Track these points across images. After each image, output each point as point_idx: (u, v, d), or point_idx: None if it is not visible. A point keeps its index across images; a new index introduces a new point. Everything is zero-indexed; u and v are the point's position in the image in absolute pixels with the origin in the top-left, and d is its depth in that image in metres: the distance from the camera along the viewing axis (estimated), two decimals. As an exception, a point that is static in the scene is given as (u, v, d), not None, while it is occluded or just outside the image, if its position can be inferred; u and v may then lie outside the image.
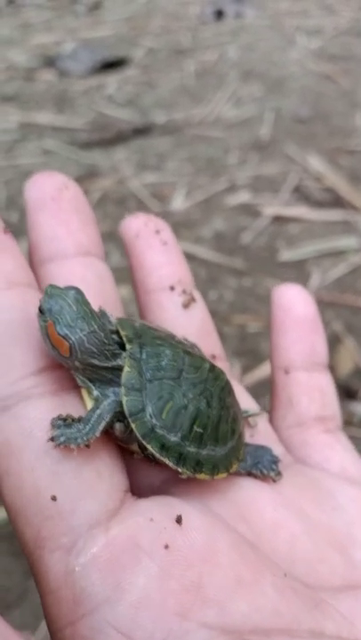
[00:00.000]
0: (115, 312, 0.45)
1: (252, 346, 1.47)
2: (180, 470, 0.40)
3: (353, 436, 1.23)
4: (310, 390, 0.51)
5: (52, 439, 0.36)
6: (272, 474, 0.44)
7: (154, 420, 0.39)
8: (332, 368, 1.38)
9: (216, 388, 0.43)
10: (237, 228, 1.81)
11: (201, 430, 0.41)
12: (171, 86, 2.60)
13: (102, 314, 0.42)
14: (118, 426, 0.40)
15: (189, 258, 1.73)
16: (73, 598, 0.33)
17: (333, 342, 1.46)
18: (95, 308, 0.41)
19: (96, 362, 0.40)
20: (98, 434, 0.38)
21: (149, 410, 0.39)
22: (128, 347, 0.41)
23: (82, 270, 0.46)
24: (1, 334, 0.39)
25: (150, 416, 0.39)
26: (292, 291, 0.54)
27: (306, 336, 0.53)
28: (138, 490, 0.40)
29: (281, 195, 1.91)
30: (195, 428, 0.40)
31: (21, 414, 0.37)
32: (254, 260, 1.71)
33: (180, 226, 1.82)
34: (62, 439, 0.36)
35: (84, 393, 0.41)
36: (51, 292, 0.40)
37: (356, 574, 0.41)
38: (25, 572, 1.08)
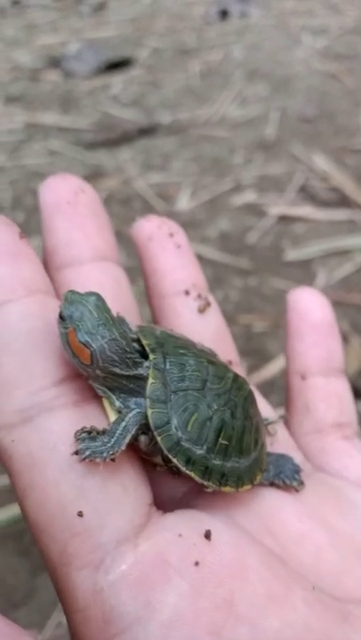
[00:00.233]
0: (131, 318, 0.44)
1: (258, 345, 1.47)
2: (205, 484, 0.39)
3: None
4: (328, 396, 0.50)
5: (77, 453, 0.35)
6: (295, 483, 0.44)
7: (179, 433, 0.39)
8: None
9: (240, 398, 0.42)
10: (243, 228, 1.81)
11: (226, 442, 0.40)
12: (176, 86, 2.60)
13: (121, 320, 0.41)
14: (143, 438, 0.39)
15: (195, 258, 1.73)
16: (103, 617, 0.33)
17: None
18: (113, 314, 0.40)
19: (117, 370, 0.39)
20: (124, 447, 0.37)
21: (175, 422, 0.39)
22: (152, 357, 0.40)
23: (99, 276, 0.46)
24: (21, 343, 0.38)
25: (176, 429, 0.38)
26: (308, 294, 0.53)
27: (323, 341, 0.52)
28: (160, 502, 0.39)
29: (287, 194, 1.91)
30: (220, 440, 0.40)
31: (44, 427, 0.36)
32: (260, 259, 1.70)
33: (186, 226, 1.82)
34: (87, 453, 0.35)
35: (106, 404, 0.40)
36: (71, 297, 0.39)
37: None
38: (31, 570, 1.08)
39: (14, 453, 0.36)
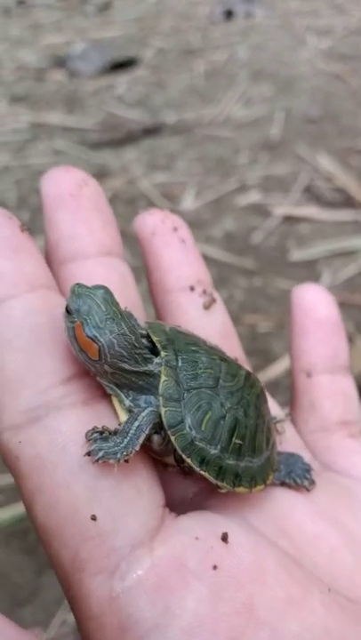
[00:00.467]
0: (137, 315, 0.43)
1: (263, 345, 1.47)
2: (219, 485, 0.38)
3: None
4: (333, 394, 0.50)
5: (89, 454, 0.34)
6: (306, 483, 0.43)
7: (193, 432, 0.38)
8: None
9: (252, 396, 0.41)
10: (248, 228, 1.81)
11: (240, 442, 0.39)
12: (180, 86, 2.60)
13: (129, 315, 0.40)
14: (156, 438, 0.38)
15: (199, 258, 1.73)
16: (119, 625, 0.32)
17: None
18: (122, 308, 0.40)
19: (126, 366, 0.38)
20: (138, 447, 0.36)
21: (188, 421, 0.38)
22: (163, 354, 0.39)
23: (104, 271, 0.45)
24: (25, 340, 0.37)
25: (190, 428, 0.38)
26: (313, 291, 0.52)
27: (328, 338, 0.51)
28: (171, 503, 0.38)
29: (291, 195, 1.91)
30: (234, 439, 0.39)
31: (53, 427, 0.35)
32: (265, 259, 1.71)
33: (191, 226, 1.81)
34: (101, 454, 0.34)
35: (115, 402, 0.39)
36: (78, 291, 0.38)
37: None
38: (36, 569, 1.08)
39: (22, 455, 0.35)
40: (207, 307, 0.48)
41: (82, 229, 0.45)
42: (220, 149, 2.17)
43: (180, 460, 0.39)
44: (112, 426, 0.37)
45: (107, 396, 0.39)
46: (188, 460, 0.37)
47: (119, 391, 0.39)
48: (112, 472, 0.34)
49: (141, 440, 0.36)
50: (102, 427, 0.36)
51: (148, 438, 0.37)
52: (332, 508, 0.43)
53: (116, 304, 0.39)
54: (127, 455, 0.35)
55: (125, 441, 0.36)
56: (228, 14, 3.20)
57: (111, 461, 0.34)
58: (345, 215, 1.81)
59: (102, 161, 2.14)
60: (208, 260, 1.70)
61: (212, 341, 0.46)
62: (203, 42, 2.97)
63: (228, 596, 0.33)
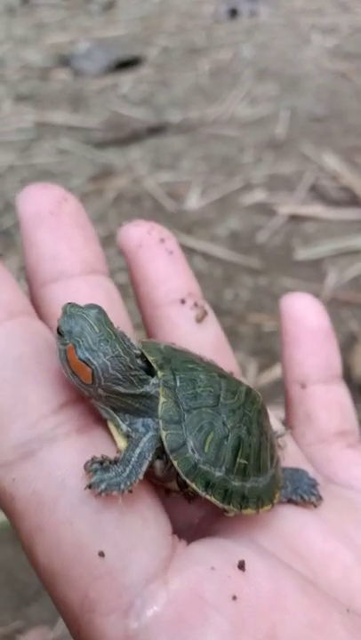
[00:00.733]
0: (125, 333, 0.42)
1: (268, 345, 1.47)
2: (226, 508, 0.37)
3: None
4: (329, 404, 0.49)
5: (90, 487, 0.32)
6: (313, 499, 0.42)
7: (196, 455, 0.36)
8: (348, 368, 1.37)
9: (254, 412, 0.40)
10: (253, 227, 1.81)
11: (245, 461, 0.38)
12: (185, 85, 2.60)
13: (123, 336, 0.38)
14: (159, 464, 0.36)
15: (205, 257, 1.73)
16: None
17: (350, 342, 1.45)
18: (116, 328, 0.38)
19: (121, 389, 0.36)
20: (141, 476, 0.34)
21: (191, 444, 0.36)
22: (160, 374, 0.37)
23: (90, 290, 0.43)
24: (11, 370, 0.35)
25: (192, 450, 0.36)
26: (303, 300, 0.51)
27: (321, 347, 0.50)
28: (177, 530, 0.36)
29: (297, 193, 1.91)
30: (238, 459, 0.37)
31: (48, 460, 0.33)
32: (270, 259, 1.70)
33: (196, 225, 1.82)
34: (103, 486, 0.32)
35: (112, 427, 0.37)
36: (70, 311, 0.36)
37: None
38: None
39: (17, 493, 0.33)
40: (200, 320, 0.47)
41: (64, 248, 0.43)
42: (224, 148, 2.16)
43: (183, 485, 0.37)
44: (110, 453, 0.35)
45: (101, 421, 0.37)
46: (193, 485, 0.36)
47: (115, 415, 0.37)
48: (116, 504, 0.33)
49: (145, 468, 0.35)
50: (101, 456, 0.34)
51: (151, 465, 0.36)
52: (340, 523, 0.42)
53: (110, 324, 0.37)
54: (131, 485, 0.33)
55: (128, 470, 0.34)
56: (233, 13, 3.20)
57: (115, 493, 0.33)
58: (351, 214, 1.81)
59: (107, 160, 2.14)
60: (213, 259, 1.70)
61: (207, 356, 0.44)
62: (207, 41, 2.97)
63: (250, 627, 0.31)
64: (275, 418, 0.48)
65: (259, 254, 1.72)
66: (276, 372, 1.39)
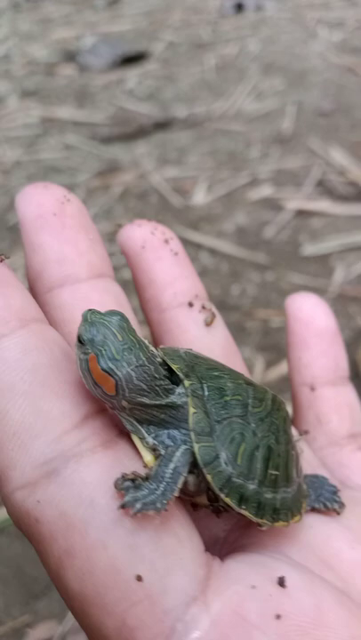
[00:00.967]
0: None
1: (276, 340, 1.46)
2: (260, 522, 0.35)
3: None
4: (339, 407, 0.48)
5: (124, 506, 0.31)
6: (336, 506, 0.41)
7: (230, 468, 0.34)
8: (355, 364, 1.37)
9: (280, 420, 0.39)
10: (260, 223, 1.80)
11: (275, 472, 0.37)
12: (191, 80, 2.59)
13: (145, 343, 0.36)
14: (191, 479, 0.35)
15: (211, 252, 1.73)
16: None
17: (357, 337, 1.45)
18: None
19: (146, 400, 0.35)
20: (177, 493, 0.32)
21: (223, 456, 0.34)
22: (187, 383, 0.36)
23: (99, 295, 0.41)
24: (29, 383, 0.33)
25: (225, 463, 0.34)
26: (310, 301, 0.50)
27: (329, 349, 0.49)
28: (204, 545, 0.35)
29: (304, 188, 1.90)
30: (269, 470, 0.36)
31: (75, 479, 0.31)
32: (277, 254, 1.70)
33: (202, 220, 1.82)
34: (138, 506, 0.31)
35: (136, 440, 0.35)
36: (92, 318, 0.35)
37: None
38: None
39: (43, 516, 0.31)
40: (209, 323, 0.46)
41: (69, 251, 0.41)
42: (231, 143, 2.16)
43: (214, 499, 0.36)
44: (136, 468, 0.33)
45: (124, 433, 0.36)
46: (227, 500, 0.34)
47: (139, 427, 0.35)
48: (151, 523, 0.31)
49: (180, 484, 0.33)
50: (132, 473, 0.32)
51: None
52: None
53: (133, 331, 0.35)
54: (167, 503, 0.32)
55: (162, 487, 0.32)
56: (239, 7, 3.18)
57: (151, 512, 0.31)
58: (358, 209, 1.80)
59: (113, 155, 2.14)
60: (220, 254, 1.70)
61: (217, 360, 0.43)
62: (213, 35, 2.95)
63: None
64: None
65: (266, 250, 1.71)
66: (283, 367, 1.39)
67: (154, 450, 0.35)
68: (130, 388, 0.34)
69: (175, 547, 0.31)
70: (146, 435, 0.35)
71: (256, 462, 0.36)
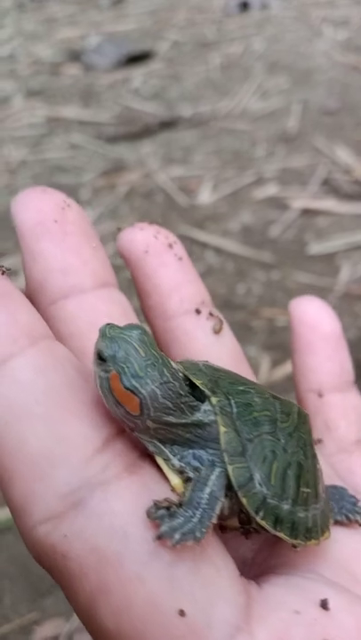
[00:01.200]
0: None
1: (281, 340, 1.46)
2: (295, 543, 0.34)
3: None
4: (346, 412, 0.47)
5: (160, 537, 0.29)
6: (358, 517, 0.39)
7: (264, 490, 0.33)
8: (362, 362, 1.37)
9: (306, 434, 0.37)
10: (265, 222, 1.80)
11: (307, 490, 0.35)
12: (196, 79, 2.59)
13: (168, 359, 0.34)
14: (226, 502, 0.33)
15: (217, 251, 1.73)
16: None
17: (364, 336, 1.44)
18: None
19: (172, 419, 0.33)
20: (215, 519, 0.30)
21: (257, 477, 0.33)
22: (215, 400, 0.34)
23: (106, 306, 0.39)
24: (45, 405, 0.31)
25: (260, 484, 0.33)
26: (315, 305, 0.49)
27: (335, 354, 0.48)
28: None
29: (309, 187, 1.90)
30: (301, 488, 0.35)
31: (103, 509, 0.29)
32: (283, 253, 1.70)
33: (208, 219, 1.82)
34: (177, 537, 0.29)
35: (161, 462, 0.33)
36: (111, 333, 0.33)
37: None
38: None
39: (71, 552, 0.29)
40: (217, 331, 0.44)
41: (73, 260, 0.39)
42: (236, 142, 2.16)
43: (246, 522, 0.34)
44: (165, 493, 0.31)
45: (146, 455, 0.34)
46: (263, 522, 0.33)
47: (163, 447, 0.33)
48: (189, 553, 0.29)
49: (218, 510, 0.31)
50: (165, 500, 0.30)
51: None
52: None
53: (155, 346, 0.33)
54: (206, 532, 0.30)
55: (198, 513, 0.30)
56: (244, 6, 3.18)
57: (190, 543, 0.29)
58: (364, 208, 1.80)
59: (119, 155, 2.14)
60: (225, 253, 1.70)
61: (228, 368, 0.41)
62: (218, 34, 2.95)
63: None
64: None
65: (271, 249, 1.71)
66: (289, 367, 1.39)
67: (181, 472, 0.33)
68: (155, 407, 0.32)
69: (214, 575, 0.30)
70: (170, 456, 0.33)
71: (289, 481, 0.34)
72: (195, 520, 0.30)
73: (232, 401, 0.34)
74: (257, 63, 2.65)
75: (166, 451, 0.33)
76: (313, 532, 0.35)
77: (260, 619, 0.29)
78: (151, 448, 0.33)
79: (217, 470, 0.32)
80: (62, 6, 3.48)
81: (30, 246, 0.39)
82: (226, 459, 0.32)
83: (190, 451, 0.33)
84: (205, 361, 0.38)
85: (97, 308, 0.39)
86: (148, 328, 0.36)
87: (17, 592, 1.06)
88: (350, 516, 0.39)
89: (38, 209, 0.39)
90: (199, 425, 0.33)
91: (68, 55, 2.86)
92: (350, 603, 0.32)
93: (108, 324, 0.33)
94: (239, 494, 0.32)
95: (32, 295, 0.39)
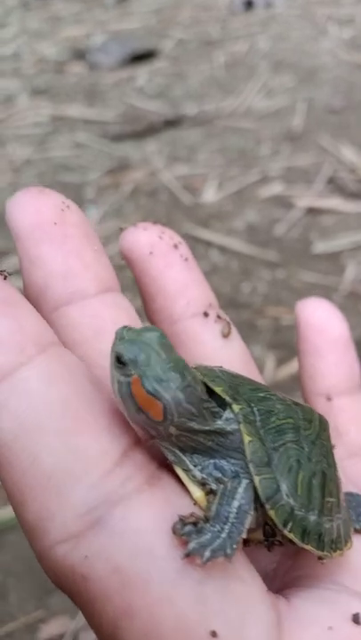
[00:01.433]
0: None
1: (287, 338, 1.46)
2: (322, 556, 0.33)
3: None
4: (356, 417, 0.46)
5: (189, 555, 0.27)
6: None
7: (291, 501, 0.32)
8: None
9: (327, 441, 0.37)
10: (270, 220, 1.80)
11: (331, 499, 0.34)
12: (201, 77, 2.58)
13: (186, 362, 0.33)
14: (253, 515, 0.31)
15: (222, 250, 1.73)
16: None
17: (369, 335, 1.44)
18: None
19: (195, 425, 0.31)
20: (244, 534, 0.29)
21: (284, 488, 0.32)
22: (237, 407, 0.32)
23: (111, 312, 0.37)
24: (58, 418, 0.29)
25: (287, 495, 0.32)
26: (323, 307, 0.48)
27: (343, 357, 0.47)
28: None
29: (315, 186, 1.89)
30: (326, 498, 0.34)
31: (126, 527, 0.28)
32: (288, 252, 1.69)
33: (213, 218, 1.82)
34: (207, 554, 0.27)
35: (180, 472, 0.32)
36: (129, 336, 0.31)
37: None
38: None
39: (92, 573, 0.27)
40: (226, 335, 0.42)
41: (75, 264, 0.37)
42: (241, 141, 2.15)
43: (271, 534, 0.33)
44: (187, 506, 0.30)
45: (164, 465, 0.32)
46: (291, 535, 0.31)
47: (183, 457, 0.32)
48: (218, 570, 0.28)
49: (247, 524, 0.29)
50: (191, 515, 0.29)
51: None
52: None
53: (173, 348, 0.32)
54: (236, 548, 0.28)
55: (227, 528, 0.29)
56: (248, 4, 3.17)
57: (220, 560, 0.28)
58: (369, 207, 1.79)
59: (123, 153, 2.14)
60: (230, 252, 1.70)
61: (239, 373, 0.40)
62: (223, 33, 2.95)
63: None
64: None
65: (276, 247, 1.71)
66: (294, 366, 1.38)
67: (203, 484, 0.31)
68: (179, 412, 0.30)
69: (243, 592, 0.28)
70: (191, 466, 0.32)
71: (314, 491, 0.33)
72: (223, 535, 0.29)
73: (254, 408, 0.33)
74: (262, 61, 2.65)
75: (186, 460, 0.32)
76: (338, 542, 0.34)
77: (292, 636, 0.28)
78: (171, 457, 0.32)
79: (244, 482, 0.31)
80: (67, 4, 3.48)
81: (29, 250, 0.37)
82: (252, 470, 0.31)
83: (211, 460, 0.32)
84: (220, 366, 0.37)
85: (101, 315, 0.37)
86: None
87: (23, 590, 1.06)
88: None
89: (36, 211, 0.37)
90: (221, 433, 0.32)
91: (73, 54, 2.86)
92: None
93: (125, 327, 0.32)
94: (267, 507, 0.31)
95: (33, 302, 0.36)
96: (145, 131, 2.24)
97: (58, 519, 0.28)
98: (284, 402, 0.35)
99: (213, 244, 1.73)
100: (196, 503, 0.31)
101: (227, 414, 0.32)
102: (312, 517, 0.32)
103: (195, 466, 0.32)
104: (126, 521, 0.28)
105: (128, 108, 2.41)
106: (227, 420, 0.32)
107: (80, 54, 2.83)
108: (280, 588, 0.33)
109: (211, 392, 0.33)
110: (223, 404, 0.33)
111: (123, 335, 0.31)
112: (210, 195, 1.90)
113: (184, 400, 0.30)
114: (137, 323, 0.39)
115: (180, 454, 0.32)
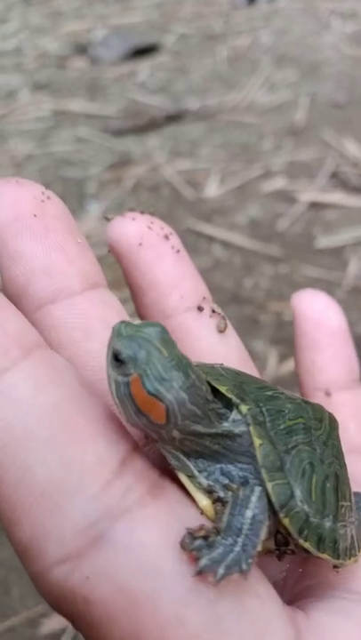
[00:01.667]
0: None
1: (289, 334, 1.45)
2: (338, 564, 0.31)
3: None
4: (356, 412, 0.45)
5: (201, 572, 0.25)
6: None
7: (306, 507, 0.30)
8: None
9: (338, 440, 0.35)
10: (273, 215, 1.79)
11: (345, 503, 0.33)
12: (203, 72, 2.57)
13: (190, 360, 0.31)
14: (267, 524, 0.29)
15: (224, 245, 1.72)
16: None
17: (372, 330, 1.43)
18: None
19: (200, 428, 0.29)
20: (260, 547, 0.27)
21: (298, 494, 0.29)
22: (245, 408, 0.30)
23: (98, 309, 0.35)
24: (49, 427, 0.27)
25: (301, 502, 0.29)
26: (321, 300, 0.46)
27: (342, 351, 0.46)
28: None
29: (317, 180, 1.88)
30: (340, 502, 0.32)
31: (130, 544, 0.25)
32: (290, 246, 1.69)
33: (215, 213, 1.81)
34: (221, 571, 0.25)
35: (185, 479, 0.29)
36: (128, 331, 0.29)
37: None
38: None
39: (95, 595, 0.25)
40: (222, 330, 0.41)
41: (58, 259, 0.34)
42: (244, 135, 2.14)
43: (283, 543, 0.31)
44: (193, 517, 0.28)
45: (167, 472, 0.30)
46: (306, 545, 0.29)
47: (187, 462, 0.29)
48: (232, 587, 0.26)
49: (263, 535, 0.27)
50: (200, 527, 0.26)
51: None
52: None
53: (176, 345, 0.29)
54: (252, 562, 0.26)
55: (240, 541, 0.26)
56: (251, -2, 3.16)
57: (235, 576, 0.25)
58: (372, 201, 1.78)
59: (125, 148, 2.13)
60: (233, 247, 1.69)
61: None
62: (225, 27, 2.93)
63: None
64: None
65: (279, 242, 1.70)
66: (297, 360, 1.38)
67: (209, 492, 0.29)
68: (183, 414, 0.28)
69: (259, 609, 0.26)
70: (195, 472, 0.29)
71: (329, 495, 0.31)
72: (237, 549, 0.26)
73: (263, 408, 0.31)
74: (264, 56, 2.63)
75: (191, 465, 0.29)
76: (352, 549, 0.32)
77: None
78: (174, 462, 0.30)
79: (257, 490, 0.28)
80: (68, -1, 3.47)
81: (7, 245, 0.34)
82: (265, 475, 0.29)
83: (218, 465, 0.30)
84: (221, 364, 0.35)
85: (89, 313, 0.34)
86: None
87: (24, 585, 1.06)
88: None
89: (14, 202, 0.35)
90: (228, 436, 0.30)
91: (75, 48, 2.85)
92: None
93: (123, 322, 0.30)
94: (280, 515, 0.29)
95: (15, 301, 0.34)
96: (147, 125, 2.23)
97: (54, 537, 0.26)
98: (293, 400, 0.33)
99: (216, 239, 1.72)
100: (203, 513, 0.29)
101: (234, 415, 0.30)
102: (327, 524, 0.30)
103: (200, 472, 0.29)
104: (130, 536, 0.26)
105: (130, 102, 2.40)
106: (234, 422, 0.30)
107: (81, 49, 2.81)
108: (292, 599, 0.31)
109: (215, 392, 0.31)
110: (228, 405, 0.31)
111: (120, 331, 0.29)
112: (212, 189, 1.89)
113: (188, 401, 0.28)
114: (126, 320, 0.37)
115: (184, 459, 0.29)
